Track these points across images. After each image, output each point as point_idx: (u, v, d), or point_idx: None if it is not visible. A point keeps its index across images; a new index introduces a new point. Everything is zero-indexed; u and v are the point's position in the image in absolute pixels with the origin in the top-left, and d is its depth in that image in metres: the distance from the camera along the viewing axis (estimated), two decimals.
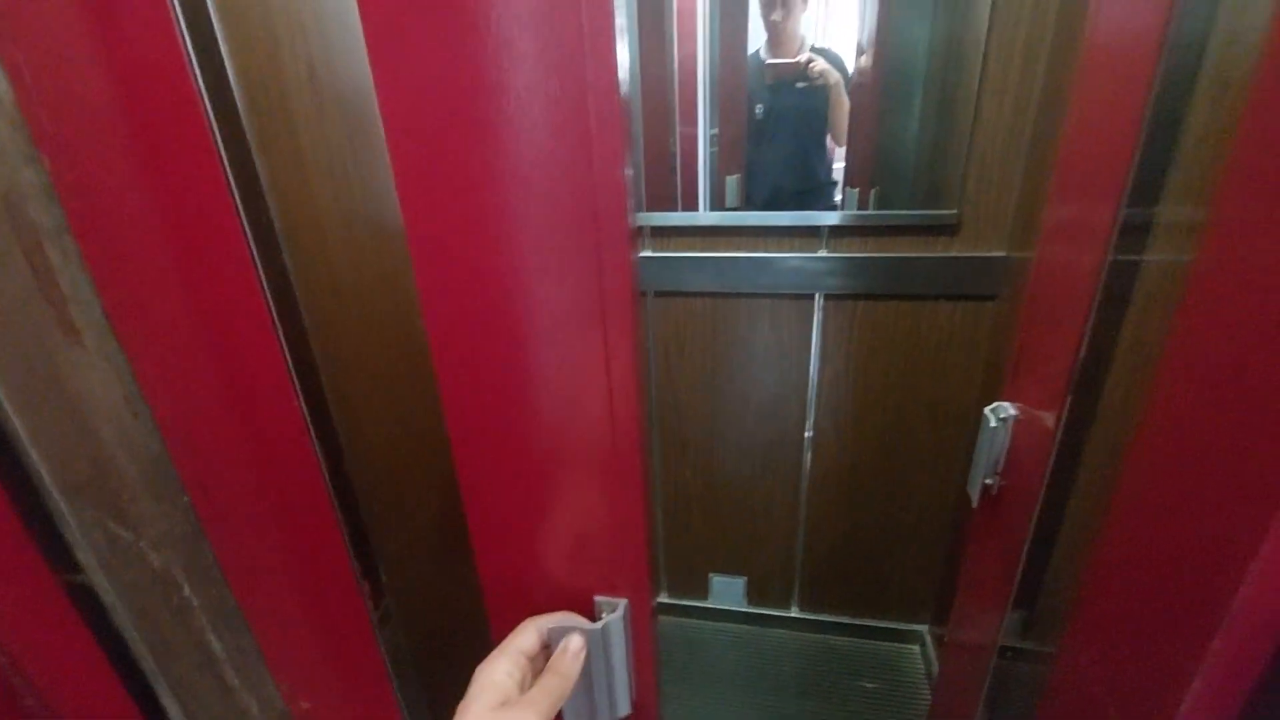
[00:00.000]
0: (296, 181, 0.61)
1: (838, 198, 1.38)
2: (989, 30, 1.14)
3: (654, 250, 1.44)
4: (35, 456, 0.38)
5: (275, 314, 0.47)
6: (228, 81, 0.42)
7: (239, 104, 0.45)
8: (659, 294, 1.48)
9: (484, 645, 0.48)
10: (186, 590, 0.47)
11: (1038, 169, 1.16)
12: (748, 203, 1.41)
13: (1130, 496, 0.62)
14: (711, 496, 1.68)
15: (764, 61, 1.33)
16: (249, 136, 0.45)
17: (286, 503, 0.54)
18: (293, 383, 0.49)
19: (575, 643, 0.47)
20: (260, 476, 0.52)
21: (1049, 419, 0.70)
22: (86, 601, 0.42)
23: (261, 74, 0.56)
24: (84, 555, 0.41)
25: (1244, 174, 0.50)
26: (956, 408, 1.43)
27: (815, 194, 1.41)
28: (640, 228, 1.42)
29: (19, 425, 0.38)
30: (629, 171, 0.39)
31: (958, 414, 1.44)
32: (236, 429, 0.49)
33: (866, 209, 1.35)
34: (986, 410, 0.74)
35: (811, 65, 1.30)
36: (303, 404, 0.50)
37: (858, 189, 1.36)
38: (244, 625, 0.52)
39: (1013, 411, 0.72)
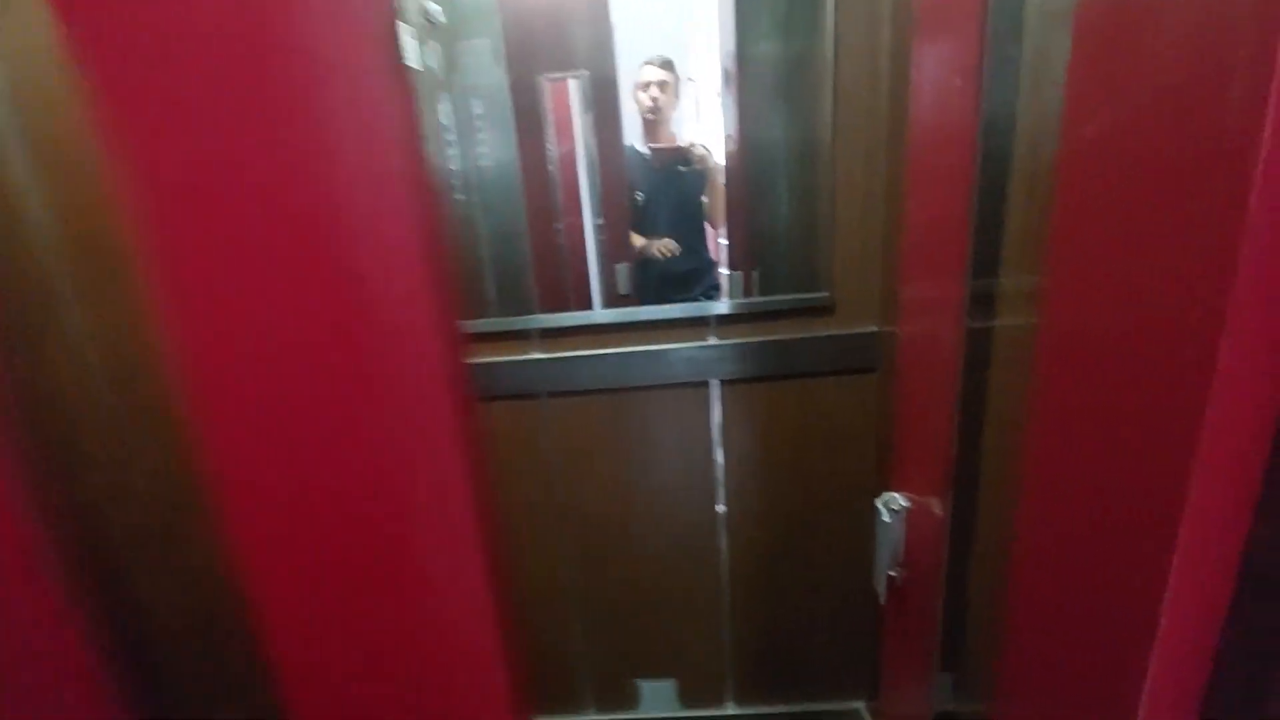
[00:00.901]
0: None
1: (724, 271, 1.44)
2: (834, 131, 1.26)
3: (545, 352, 1.42)
4: None
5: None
6: None
7: None
8: (554, 395, 1.44)
9: None
10: None
11: (895, 249, 1.25)
12: (639, 288, 1.43)
13: (1025, 564, 0.62)
14: (632, 597, 1.60)
15: (641, 152, 1.41)
16: None
17: None
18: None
19: None
20: None
21: (937, 505, 0.71)
22: None
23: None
24: None
25: (1066, 245, 0.54)
26: (856, 478, 1.46)
27: (700, 274, 1.47)
28: (529, 329, 1.40)
29: None
30: (439, 266, 0.36)
31: (858, 485, 1.46)
32: None
33: (751, 291, 1.41)
34: (878, 503, 0.74)
35: (693, 148, 1.40)
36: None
37: (741, 272, 1.42)
38: None
39: (903, 502, 0.72)
